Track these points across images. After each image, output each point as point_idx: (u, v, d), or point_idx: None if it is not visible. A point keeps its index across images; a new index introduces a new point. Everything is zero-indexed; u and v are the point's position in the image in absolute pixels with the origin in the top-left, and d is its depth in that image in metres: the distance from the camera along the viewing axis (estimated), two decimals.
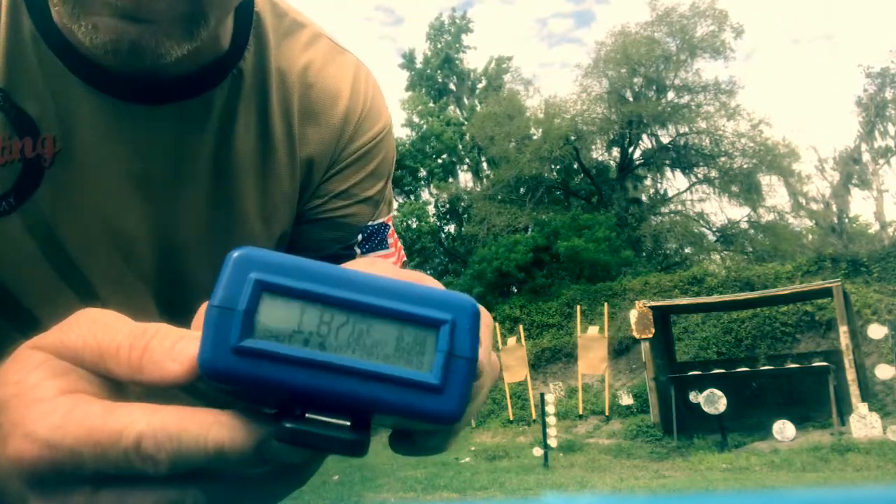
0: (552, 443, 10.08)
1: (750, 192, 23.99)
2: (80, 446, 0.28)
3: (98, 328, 0.32)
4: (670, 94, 24.57)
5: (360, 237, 0.74)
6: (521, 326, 14.77)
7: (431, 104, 30.59)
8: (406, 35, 71.15)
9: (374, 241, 0.75)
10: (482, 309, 0.32)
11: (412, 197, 28.54)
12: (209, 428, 0.28)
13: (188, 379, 0.30)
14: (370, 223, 0.74)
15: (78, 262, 0.61)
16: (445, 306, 0.29)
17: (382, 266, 0.61)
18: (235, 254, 0.29)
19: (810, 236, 25.40)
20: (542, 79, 61.94)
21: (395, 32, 63.24)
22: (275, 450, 0.29)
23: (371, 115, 0.73)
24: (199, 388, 0.31)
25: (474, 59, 57.45)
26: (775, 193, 32.31)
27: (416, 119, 29.67)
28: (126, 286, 0.64)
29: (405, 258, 0.79)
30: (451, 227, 28.56)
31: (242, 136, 0.64)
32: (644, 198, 25.97)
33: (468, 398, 0.29)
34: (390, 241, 0.76)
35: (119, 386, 0.32)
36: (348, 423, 0.29)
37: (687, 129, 24.30)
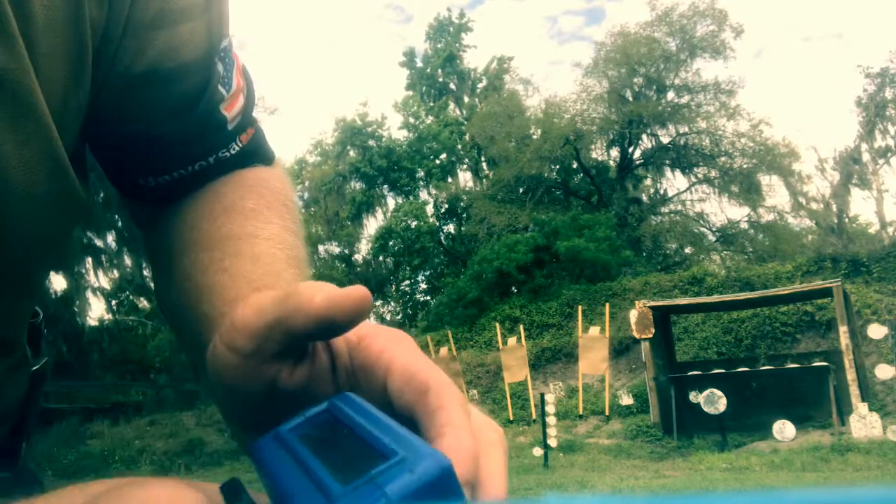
0: (552, 443, 10.08)
1: (750, 192, 24.00)
2: None
3: None
4: (670, 94, 24.58)
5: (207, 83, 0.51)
6: (521, 326, 14.77)
7: (431, 104, 30.60)
8: (415, 33, 71.19)
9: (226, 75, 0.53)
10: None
11: (411, 197, 28.54)
12: None
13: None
14: (217, 48, 0.51)
15: None
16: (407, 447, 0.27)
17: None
18: None
19: (810, 236, 25.41)
20: (551, 77, 61.84)
21: (404, 31, 63.29)
22: None
23: None
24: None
25: (479, 58, 57.52)
26: (775, 193, 32.30)
27: (411, 120, 29.69)
28: None
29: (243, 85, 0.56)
30: (451, 227, 28.56)
31: None
32: (644, 198, 25.98)
33: None
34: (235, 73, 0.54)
35: None
36: None
37: (687, 129, 24.30)
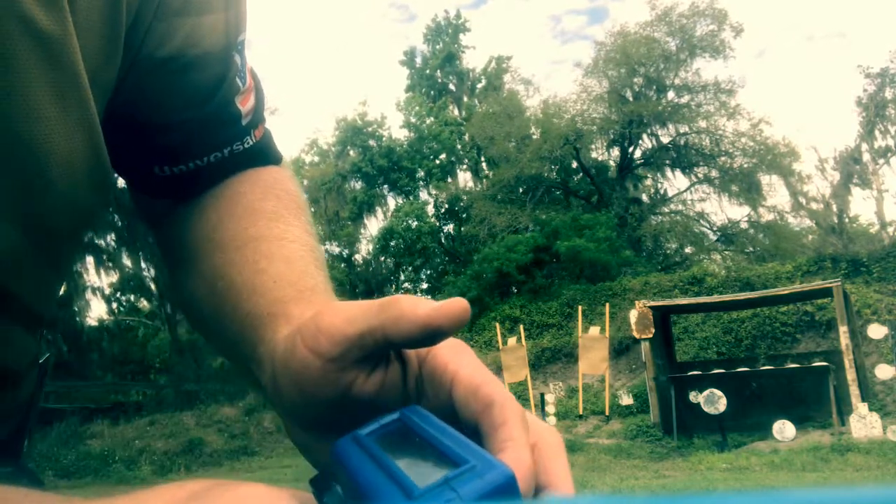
0: None
1: (750, 192, 24.00)
2: None
3: None
4: (670, 94, 24.58)
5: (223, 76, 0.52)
6: (521, 326, 14.77)
7: (431, 104, 30.59)
8: (418, 33, 70.99)
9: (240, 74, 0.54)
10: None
11: (411, 197, 28.54)
12: None
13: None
14: (235, 41, 0.52)
15: None
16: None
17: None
18: None
19: (810, 236, 25.40)
20: (554, 76, 61.81)
21: (407, 30, 63.30)
22: None
23: None
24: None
25: (481, 58, 57.50)
26: (775, 193, 32.34)
27: (413, 120, 29.68)
28: None
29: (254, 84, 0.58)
30: (451, 227, 28.56)
31: None
32: (644, 198, 25.98)
33: None
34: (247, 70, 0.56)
35: None
36: None
37: (687, 129, 24.29)
